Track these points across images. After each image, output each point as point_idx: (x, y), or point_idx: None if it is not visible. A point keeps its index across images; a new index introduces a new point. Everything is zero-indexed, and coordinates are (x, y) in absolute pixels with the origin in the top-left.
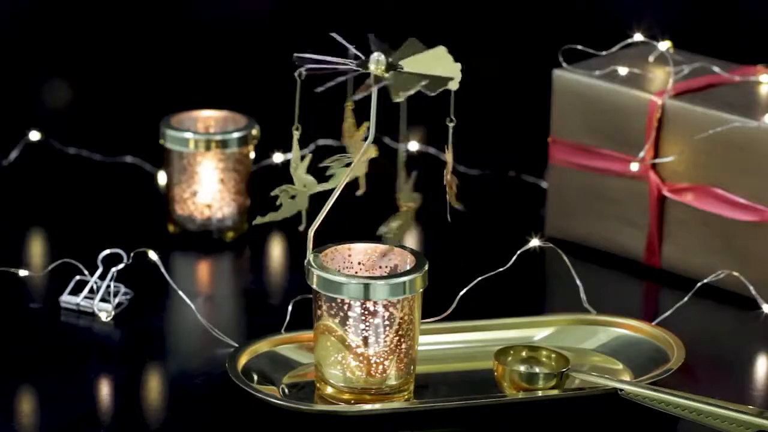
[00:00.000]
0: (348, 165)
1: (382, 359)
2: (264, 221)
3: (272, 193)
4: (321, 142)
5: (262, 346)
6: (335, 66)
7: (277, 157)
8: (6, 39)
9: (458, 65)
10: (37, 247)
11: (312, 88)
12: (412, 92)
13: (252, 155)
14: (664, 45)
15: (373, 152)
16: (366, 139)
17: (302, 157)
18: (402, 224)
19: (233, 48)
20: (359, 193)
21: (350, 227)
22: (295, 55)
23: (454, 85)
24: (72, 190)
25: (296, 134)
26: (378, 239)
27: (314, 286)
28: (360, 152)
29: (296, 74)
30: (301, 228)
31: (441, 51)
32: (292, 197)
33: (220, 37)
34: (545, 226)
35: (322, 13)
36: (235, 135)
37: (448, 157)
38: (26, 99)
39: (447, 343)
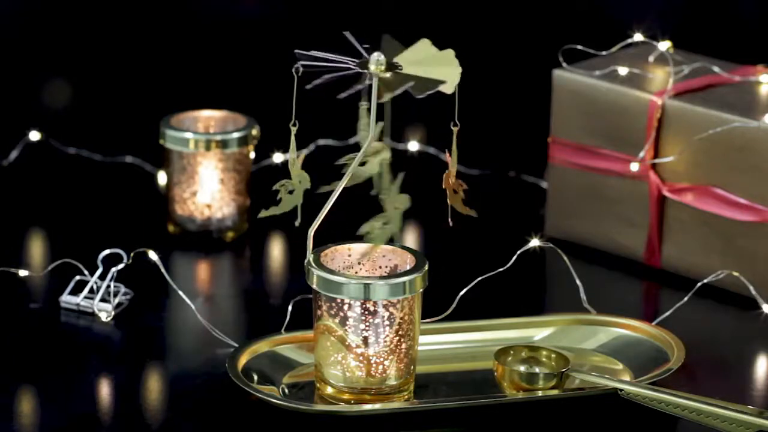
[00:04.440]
0: (291, 192)
1: (382, 359)
2: (266, 215)
3: (274, 188)
4: (321, 141)
5: (262, 346)
6: (335, 65)
7: (277, 157)
8: (6, 39)
9: (458, 70)
10: (37, 247)
11: (312, 88)
12: (398, 92)
13: (252, 155)
14: (664, 45)
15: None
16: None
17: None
18: (386, 224)
19: (233, 48)
20: (374, 192)
21: (350, 227)
22: (296, 51)
23: (448, 89)
24: (72, 190)
25: (293, 130)
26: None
27: (314, 286)
28: (359, 155)
29: (293, 70)
30: (297, 223)
31: (425, 44)
32: (290, 192)
33: (220, 37)
34: (545, 226)
35: (322, 13)
36: (235, 135)
37: (452, 161)
38: (26, 99)
39: (447, 343)
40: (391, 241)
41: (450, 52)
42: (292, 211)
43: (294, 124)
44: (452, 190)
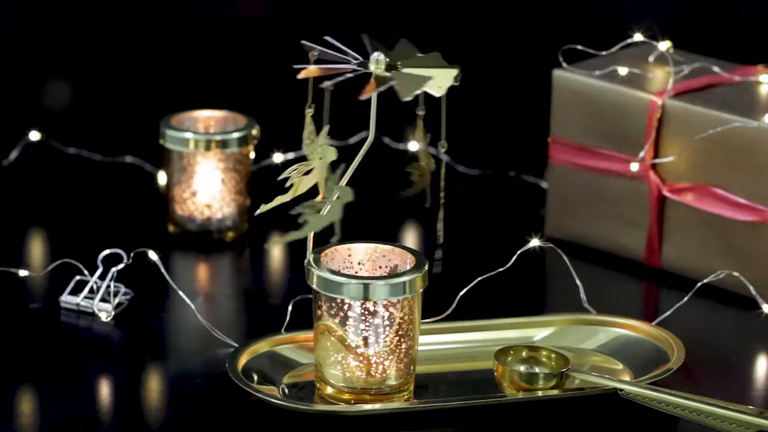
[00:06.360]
0: (307, 173)
1: (382, 359)
2: (287, 240)
3: (293, 212)
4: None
5: (262, 346)
6: (336, 65)
7: (277, 157)
8: (6, 39)
9: (454, 69)
10: (37, 247)
11: (312, 89)
12: (419, 91)
13: (252, 155)
14: (664, 45)
15: (333, 155)
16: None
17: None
18: (320, 212)
19: (233, 48)
20: (318, 199)
21: (350, 227)
22: (303, 42)
23: (439, 90)
24: (72, 190)
25: (309, 111)
26: (377, 239)
27: (314, 286)
28: (359, 155)
29: (309, 55)
30: (320, 198)
31: (435, 56)
32: (307, 173)
33: (220, 37)
34: (545, 226)
35: (322, 13)
36: (235, 135)
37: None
38: (26, 99)
39: (447, 343)
40: (331, 229)
41: (454, 69)
42: (294, 202)
43: (310, 107)
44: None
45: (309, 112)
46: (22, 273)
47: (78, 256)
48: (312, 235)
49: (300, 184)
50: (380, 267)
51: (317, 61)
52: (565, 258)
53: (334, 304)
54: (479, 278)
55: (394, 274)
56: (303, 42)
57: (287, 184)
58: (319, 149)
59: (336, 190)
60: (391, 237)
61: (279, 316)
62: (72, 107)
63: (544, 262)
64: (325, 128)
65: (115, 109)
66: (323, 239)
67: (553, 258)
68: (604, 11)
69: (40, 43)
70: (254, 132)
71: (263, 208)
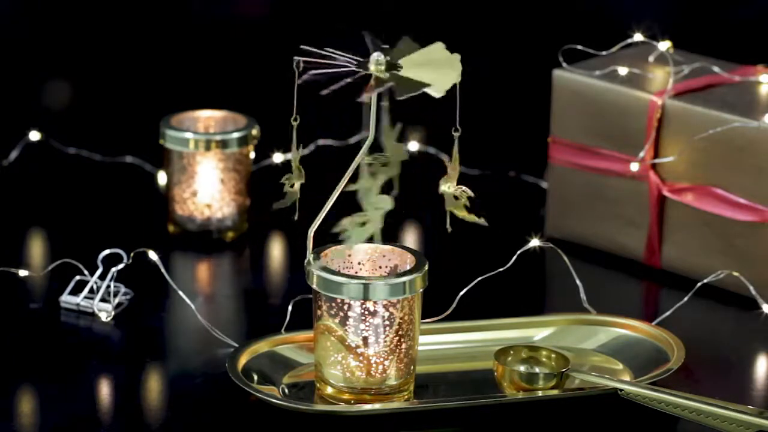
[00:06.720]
0: (385, 165)
1: (382, 359)
2: (279, 207)
3: (281, 181)
4: (321, 142)
5: (262, 346)
6: (335, 65)
7: (277, 157)
8: (6, 39)
9: (457, 56)
10: (37, 247)
11: (314, 90)
12: (415, 93)
13: (252, 155)
14: (664, 45)
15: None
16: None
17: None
18: (365, 224)
19: (233, 48)
20: (394, 193)
21: None
22: (302, 47)
23: (436, 93)
24: (72, 190)
25: (294, 125)
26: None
27: (314, 286)
28: (359, 154)
29: (294, 65)
30: (295, 217)
31: (438, 47)
32: (292, 185)
33: (220, 37)
34: (545, 226)
35: (321, 13)
36: (235, 135)
37: (452, 166)
38: (26, 99)
39: (447, 343)
40: (370, 240)
41: (455, 57)
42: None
43: (295, 119)
44: (452, 196)
45: (294, 125)
46: (22, 273)
47: (78, 256)
48: (312, 234)
49: (289, 196)
50: (380, 267)
51: (316, 60)
52: (565, 258)
53: (334, 304)
54: (479, 278)
55: (394, 274)
56: (301, 46)
57: (284, 190)
58: (296, 172)
59: (294, 178)
60: (391, 237)
61: (279, 316)
62: (72, 107)
63: (544, 262)
64: (298, 154)
65: (115, 109)
66: (322, 240)
67: (553, 258)
68: (604, 11)
69: (40, 43)
70: (254, 132)
71: (278, 204)
